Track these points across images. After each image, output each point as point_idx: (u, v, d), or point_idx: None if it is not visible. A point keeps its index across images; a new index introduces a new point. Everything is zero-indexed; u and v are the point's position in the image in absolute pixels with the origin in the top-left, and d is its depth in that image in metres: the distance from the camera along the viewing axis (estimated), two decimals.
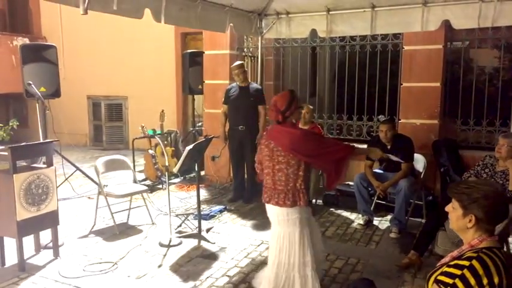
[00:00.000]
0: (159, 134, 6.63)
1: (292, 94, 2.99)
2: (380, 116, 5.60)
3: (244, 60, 6.75)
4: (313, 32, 5.37)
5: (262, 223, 4.84)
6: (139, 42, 9.19)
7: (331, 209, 5.33)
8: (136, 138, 6.72)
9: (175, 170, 4.13)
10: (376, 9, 4.84)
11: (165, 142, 6.74)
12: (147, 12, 3.74)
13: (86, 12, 3.09)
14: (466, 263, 1.62)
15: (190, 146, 4.07)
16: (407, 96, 5.25)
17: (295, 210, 2.91)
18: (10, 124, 7.92)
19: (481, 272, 1.58)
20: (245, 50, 6.60)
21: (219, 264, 3.79)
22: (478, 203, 1.67)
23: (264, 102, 5.50)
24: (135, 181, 6.25)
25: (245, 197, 5.64)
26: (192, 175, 7.01)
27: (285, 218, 2.94)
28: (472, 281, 1.58)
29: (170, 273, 3.62)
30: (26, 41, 9.64)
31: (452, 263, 1.67)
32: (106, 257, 3.93)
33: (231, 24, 5.03)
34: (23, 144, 3.53)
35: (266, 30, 5.67)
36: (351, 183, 5.00)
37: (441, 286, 1.63)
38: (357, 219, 4.93)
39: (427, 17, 4.60)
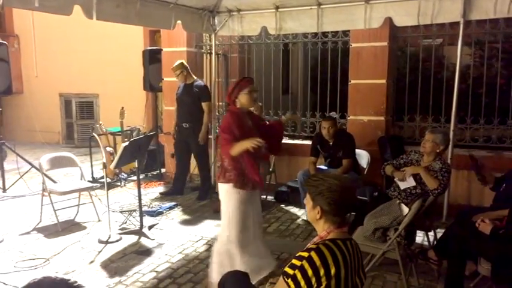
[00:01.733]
0: (119, 132, 6.65)
1: (241, 79, 3.12)
2: (332, 113, 5.63)
3: (206, 58, 6.77)
4: (266, 29, 5.40)
5: (209, 219, 4.88)
6: (110, 39, 9.17)
7: (282, 205, 5.36)
8: (93, 136, 6.70)
9: (111, 166, 4.15)
10: (322, 6, 4.88)
11: (125, 139, 6.72)
12: (78, 8, 3.74)
13: (2, 9, 3.10)
14: (306, 254, 1.65)
15: (127, 143, 4.09)
16: (355, 93, 5.28)
17: (223, 185, 3.09)
18: None
19: (318, 263, 1.61)
20: (204, 47, 6.59)
21: (150, 260, 3.81)
22: (322, 194, 1.70)
23: (208, 99, 5.52)
24: (92, 178, 6.37)
25: (200, 194, 5.66)
26: (155, 172, 7.05)
27: (219, 191, 3.17)
28: (309, 272, 1.61)
29: (99, 269, 3.63)
30: None
31: (297, 254, 1.70)
32: (41, 253, 3.94)
33: (179, 21, 5.05)
34: None
35: (219, 28, 5.69)
36: None
37: (284, 277, 1.65)
38: (303, 215, 4.95)
39: (370, 14, 4.64)
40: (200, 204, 5.46)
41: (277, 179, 5.63)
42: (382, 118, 5.15)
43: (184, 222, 4.80)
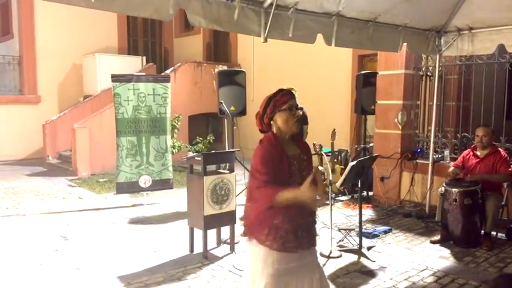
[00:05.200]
0: (329, 152, 6.92)
1: (276, 92, 2.32)
2: None
3: (422, 80, 6.54)
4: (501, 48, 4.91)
5: (430, 249, 4.60)
6: (318, 65, 9.72)
7: None
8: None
9: (337, 184, 4.33)
10: None
11: (335, 160, 6.96)
12: (319, 36, 4.08)
13: (265, 40, 3.61)
14: None
15: (354, 162, 4.21)
16: None
17: (250, 245, 2.36)
18: (208, 138, 9.30)
19: None
20: (422, 69, 6.37)
21: (376, 281, 3.79)
22: None
23: (306, 122, 6.17)
24: None
25: None
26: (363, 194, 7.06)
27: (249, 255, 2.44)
28: None
29: (329, 281, 3.78)
30: (225, 67, 11.31)
31: None
32: None
33: (405, 43, 5.00)
34: (212, 152, 4.25)
35: (445, 48, 5.42)
36: None
37: None
38: None
39: None
40: (417, 232, 5.20)
41: (510, 214, 4.95)
42: None
43: (404, 249, 4.63)
